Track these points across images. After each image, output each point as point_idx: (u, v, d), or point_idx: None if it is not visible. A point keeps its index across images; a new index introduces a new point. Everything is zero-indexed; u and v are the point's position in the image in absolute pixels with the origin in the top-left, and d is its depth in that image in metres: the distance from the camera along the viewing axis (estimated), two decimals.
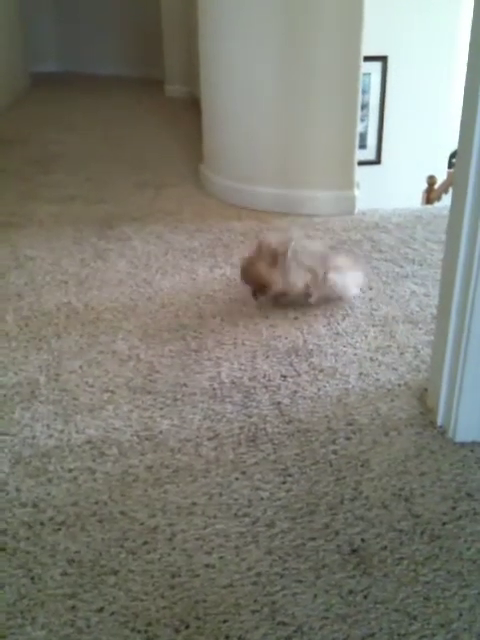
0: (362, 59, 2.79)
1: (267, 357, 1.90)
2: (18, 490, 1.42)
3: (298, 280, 2.08)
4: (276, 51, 2.80)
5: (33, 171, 3.66)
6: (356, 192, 2.95)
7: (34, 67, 6.58)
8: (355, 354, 1.90)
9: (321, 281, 2.09)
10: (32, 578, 1.22)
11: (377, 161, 4.61)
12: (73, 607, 1.17)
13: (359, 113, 2.86)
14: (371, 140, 4.59)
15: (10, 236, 2.75)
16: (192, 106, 5.25)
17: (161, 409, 1.68)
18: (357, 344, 1.95)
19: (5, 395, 1.73)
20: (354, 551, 1.28)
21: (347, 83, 2.81)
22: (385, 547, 1.28)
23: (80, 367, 1.85)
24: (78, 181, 3.49)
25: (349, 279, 2.16)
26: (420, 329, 2.02)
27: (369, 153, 4.58)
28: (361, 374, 1.80)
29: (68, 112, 5.25)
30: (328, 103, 2.83)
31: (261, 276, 2.06)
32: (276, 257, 2.04)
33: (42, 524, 1.33)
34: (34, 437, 1.57)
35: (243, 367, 1.86)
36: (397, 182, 4.39)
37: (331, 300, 2.18)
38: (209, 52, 3.07)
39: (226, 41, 2.93)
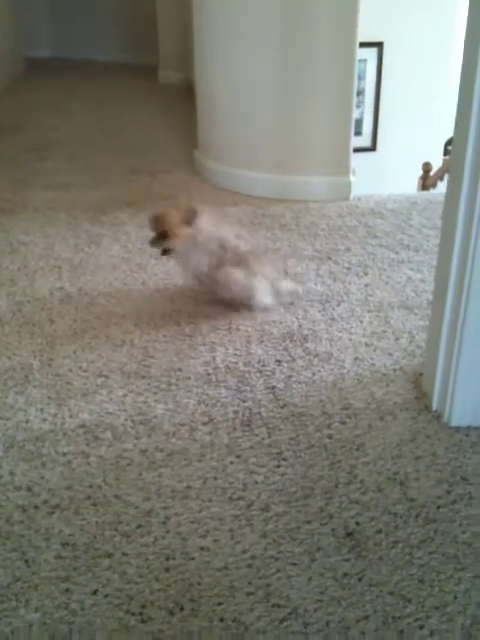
0: (358, 44, 2.77)
1: (262, 342, 1.89)
2: (12, 474, 1.41)
3: (202, 263, 1.98)
4: (272, 36, 2.78)
5: (28, 158, 3.63)
6: (352, 178, 2.93)
7: (28, 52, 6.52)
8: (350, 339, 1.89)
9: (220, 274, 1.97)
10: (26, 561, 1.22)
11: (373, 148, 4.59)
12: (67, 590, 1.16)
13: (355, 99, 2.84)
14: (367, 127, 4.57)
15: (3, 222, 2.73)
16: (186, 92, 5.21)
17: (155, 394, 1.68)
18: (352, 329, 1.94)
19: None
20: (349, 534, 1.28)
21: (343, 69, 2.79)
22: (380, 530, 1.28)
23: (74, 352, 1.84)
24: (73, 168, 3.46)
25: (256, 283, 1.98)
26: (415, 314, 2.01)
27: (365, 140, 4.56)
28: (356, 359, 1.80)
29: (62, 98, 5.21)
30: (324, 89, 2.81)
31: (168, 223, 1.93)
32: (192, 219, 1.95)
33: (36, 507, 1.33)
34: (28, 421, 1.57)
35: (238, 352, 1.85)
36: (392, 169, 4.37)
37: (238, 302, 2.02)
38: (204, 37, 3.04)
39: (221, 26, 2.91)
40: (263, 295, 2.01)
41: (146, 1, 6.06)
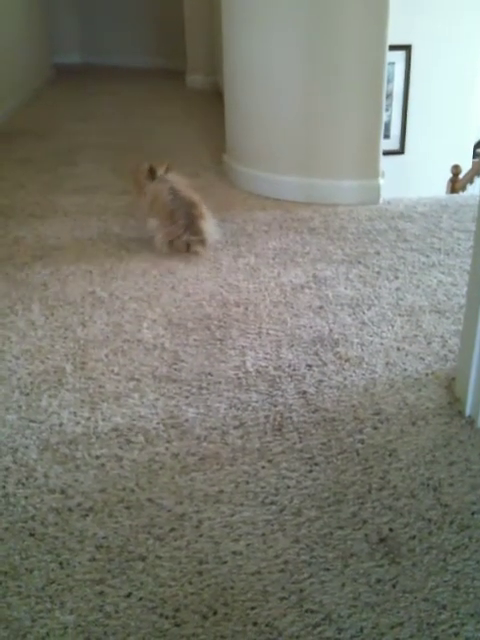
0: (388, 48, 2.76)
1: (292, 346, 1.89)
2: (46, 476, 1.43)
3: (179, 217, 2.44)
4: (301, 40, 2.78)
5: (57, 162, 3.67)
6: (381, 181, 2.92)
7: (57, 58, 6.60)
8: (381, 344, 1.88)
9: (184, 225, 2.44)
10: (60, 563, 1.23)
11: (401, 151, 4.56)
12: (101, 592, 1.17)
13: (384, 102, 2.83)
14: (395, 130, 4.55)
15: (35, 227, 2.76)
16: (214, 96, 5.23)
17: (187, 397, 1.68)
18: (383, 334, 1.93)
19: (32, 383, 1.74)
20: (382, 540, 1.27)
21: (372, 72, 2.78)
22: (414, 536, 1.28)
23: (106, 355, 1.86)
24: (101, 172, 3.50)
25: (211, 226, 2.50)
26: (447, 319, 2.00)
27: (393, 143, 4.53)
28: (388, 364, 1.79)
29: (91, 103, 5.26)
30: (353, 92, 2.81)
31: (138, 178, 2.52)
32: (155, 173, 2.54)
33: (70, 510, 1.34)
34: (61, 424, 1.58)
35: (268, 356, 1.85)
36: (421, 172, 4.34)
37: (195, 243, 2.45)
38: (233, 41, 3.05)
39: (250, 30, 2.92)
40: (216, 235, 2.54)
41: (174, 6, 6.11)
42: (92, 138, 4.16)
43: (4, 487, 1.40)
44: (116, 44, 7.02)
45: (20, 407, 1.64)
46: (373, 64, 2.77)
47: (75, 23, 7.19)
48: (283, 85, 2.88)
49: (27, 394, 1.70)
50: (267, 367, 1.80)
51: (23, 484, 1.41)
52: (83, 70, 6.86)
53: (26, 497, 1.37)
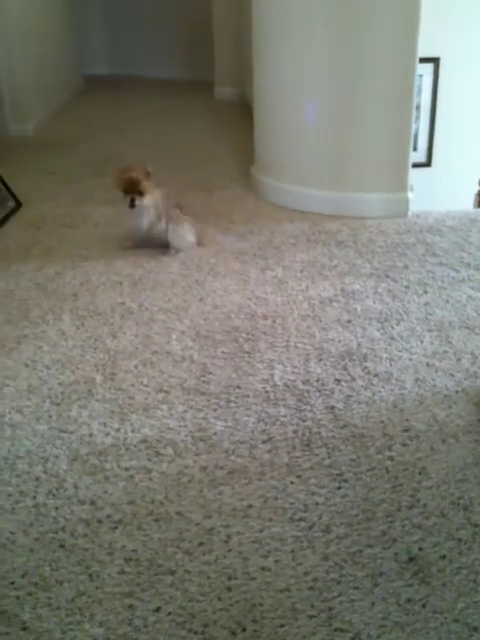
0: (418, 60, 2.76)
1: (320, 360, 1.89)
2: (76, 487, 1.44)
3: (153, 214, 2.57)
4: (331, 54, 2.79)
5: (86, 173, 3.71)
6: (410, 194, 2.91)
7: (86, 70, 6.67)
8: (411, 359, 1.87)
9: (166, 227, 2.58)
10: (90, 575, 1.24)
11: (428, 164, 4.55)
12: (130, 606, 1.18)
13: (414, 114, 2.83)
14: (422, 142, 4.53)
15: (66, 237, 2.79)
16: (242, 108, 5.25)
17: (215, 410, 1.69)
18: (412, 349, 1.92)
19: (63, 393, 1.76)
20: (412, 559, 1.26)
21: (402, 85, 2.78)
22: (443, 556, 1.26)
23: (135, 367, 1.87)
24: None
25: (185, 231, 2.61)
26: (477, 334, 1.98)
27: (419, 155, 4.51)
28: (417, 380, 1.78)
29: (120, 114, 5.31)
30: (382, 105, 2.81)
31: (139, 181, 2.50)
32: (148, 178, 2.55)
33: (100, 522, 1.35)
34: (91, 435, 1.59)
35: (296, 370, 1.85)
36: (448, 185, 4.31)
37: (169, 246, 2.59)
38: (262, 54, 3.07)
39: (281, 44, 2.93)
40: (193, 239, 2.65)
41: (202, 18, 6.15)
42: (121, 149, 4.19)
43: (35, 497, 1.41)
44: (145, 56, 7.09)
45: (51, 417, 1.66)
46: (403, 77, 2.77)
47: (104, 35, 7.27)
48: (313, 99, 2.89)
49: (58, 404, 1.71)
50: (295, 381, 1.80)
51: (54, 494, 1.42)
52: (112, 81, 6.93)
53: (56, 508, 1.38)
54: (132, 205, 2.51)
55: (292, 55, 2.90)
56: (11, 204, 3.10)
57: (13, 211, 3.07)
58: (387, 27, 2.71)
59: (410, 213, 2.92)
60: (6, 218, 2.99)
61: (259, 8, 3.03)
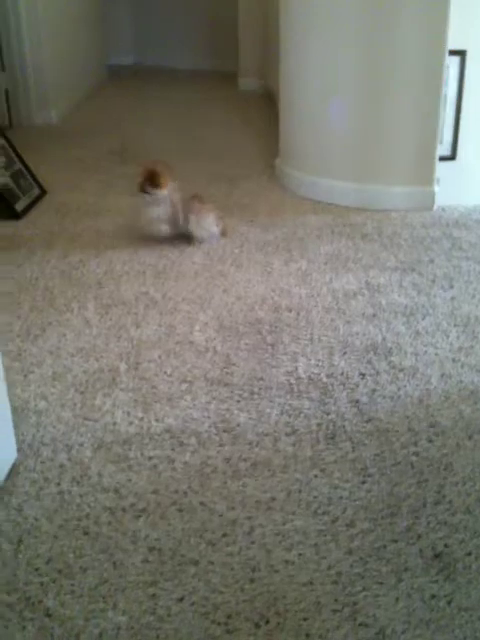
0: (447, 53, 2.73)
1: (344, 354, 1.88)
2: (100, 475, 1.44)
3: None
4: (358, 45, 2.76)
5: (110, 162, 3.71)
6: (436, 188, 2.88)
7: (111, 60, 6.67)
8: (436, 354, 1.85)
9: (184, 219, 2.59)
10: (114, 563, 1.24)
11: (452, 157, 4.49)
12: (154, 595, 1.18)
13: (442, 107, 2.79)
14: (447, 135, 4.47)
15: (90, 225, 2.80)
16: (266, 99, 5.23)
17: (238, 402, 1.68)
18: (438, 344, 1.90)
19: (87, 381, 1.76)
20: (437, 556, 1.25)
21: (430, 77, 2.74)
22: (469, 553, 1.25)
23: (159, 356, 1.87)
24: None
25: (208, 221, 2.60)
26: None
27: (445, 148, 4.46)
28: (443, 375, 1.76)
29: (143, 104, 5.30)
30: (410, 97, 2.78)
31: (162, 176, 2.54)
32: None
33: (123, 510, 1.35)
34: (115, 423, 1.60)
35: (320, 363, 1.84)
36: (472, 178, 4.26)
37: (190, 237, 2.60)
38: (289, 45, 3.05)
39: (307, 34, 2.91)
40: (217, 229, 2.64)
41: (227, 9, 6.12)
42: (145, 139, 4.19)
43: (59, 484, 1.42)
44: (169, 46, 7.07)
45: (75, 405, 1.67)
46: (432, 70, 2.74)
47: (128, 24, 7.26)
48: (338, 89, 2.87)
49: (82, 392, 1.72)
50: (319, 374, 1.79)
51: (78, 482, 1.42)
52: (136, 71, 6.93)
53: (81, 495, 1.39)
54: (143, 190, 2.54)
55: (319, 46, 2.88)
56: (36, 191, 3.11)
57: (38, 198, 3.08)
58: (416, 19, 2.68)
59: (436, 206, 2.89)
60: (31, 205, 3.00)
61: (286, 1, 3.00)
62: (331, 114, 2.92)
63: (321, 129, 2.98)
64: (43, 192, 3.15)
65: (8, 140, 3.12)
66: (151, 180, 2.53)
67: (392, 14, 2.68)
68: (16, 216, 2.87)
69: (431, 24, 2.68)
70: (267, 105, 5.03)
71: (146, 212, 2.61)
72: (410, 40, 2.71)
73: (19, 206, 2.92)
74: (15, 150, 3.12)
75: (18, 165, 3.09)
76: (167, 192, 2.55)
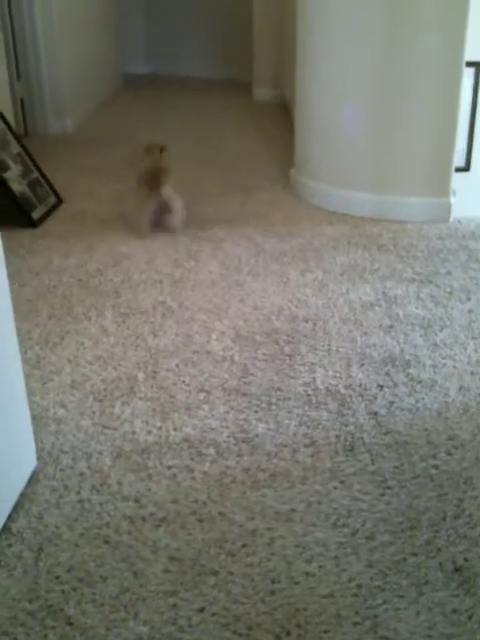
0: (464, 65, 2.73)
1: (362, 365, 1.88)
2: (120, 484, 1.44)
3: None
4: (375, 55, 2.77)
5: (126, 171, 3.72)
6: (452, 199, 2.88)
7: (125, 68, 6.72)
8: (454, 367, 1.85)
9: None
10: (134, 572, 1.24)
11: (466, 168, 4.49)
12: (174, 605, 1.18)
13: (459, 119, 2.80)
14: (460, 146, 4.48)
15: (106, 235, 2.81)
16: (280, 109, 5.25)
17: (256, 412, 1.68)
18: (456, 356, 1.90)
19: (105, 389, 1.77)
20: (457, 570, 1.25)
21: (447, 88, 2.75)
22: None
23: (176, 365, 1.88)
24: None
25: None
26: None
27: (458, 159, 4.46)
28: (461, 388, 1.76)
29: (158, 113, 5.33)
30: (427, 108, 2.78)
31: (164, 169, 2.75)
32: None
33: (143, 519, 1.35)
34: (134, 432, 1.60)
35: (338, 374, 1.84)
36: None
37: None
38: (306, 55, 3.06)
39: (324, 44, 2.92)
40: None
41: (242, 19, 6.16)
42: None
43: (79, 492, 1.42)
44: (183, 55, 7.11)
45: (94, 413, 1.67)
46: (449, 81, 2.75)
47: (143, 33, 7.31)
48: (356, 100, 2.87)
49: (100, 400, 1.72)
50: (337, 385, 1.79)
51: (97, 490, 1.43)
52: (150, 80, 6.97)
53: (101, 504, 1.39)
54: (154, 191, 2.69)
55: (336, 56, 2.89)
56: (52, 200, 3.13)
57: (54, 207, 3.10)
58: (434, 30, 2.69)
59: (452, 218, 2.89)
60: (48, 214, 3.02)
61: (304, 10, 3.02)
62: (347, 124, 2.93)
63: (337, 139, 2.99)
64: (59, 201, 3.17)
65: (25, 148, 3.15)
66: (158, 179, 2.67)
67: (410, 25, 2.69)
68: (33, 224, 2.89)
69: (449, 35, 2.68)
70: (282, 115, 5.05)
71: (146, 207, 2.73)
72: (428, 51, 2.72)
73: (36, 214, 2.94)
74: (32, 158, 3.15)
75: (35, 173, 3.12)
76: (171, 190, 2.70)
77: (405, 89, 2.77)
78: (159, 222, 2.79)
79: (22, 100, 4.56)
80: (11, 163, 2.98)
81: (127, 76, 6.68)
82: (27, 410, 1.47)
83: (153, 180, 2.71)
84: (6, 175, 2.87)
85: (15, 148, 3.07)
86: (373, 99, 2.84)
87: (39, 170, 3.15)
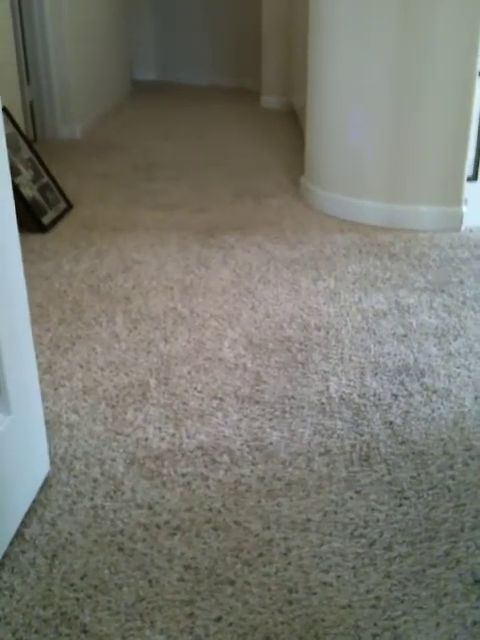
0: (478, 73, 2.73)
1: (376, 374, 1.86)
2: (134, 491, 1.43)
3: None
4: (387, 62, 2.77)
5: (136, 178, 3.73)
6: (464, 208, 2.88)
7: (134, 75, 6.74)
8: (469, 376, 1.84)
9: None
10: (150, 581, 1.23)
11: (474, 177, 4.49)
12: (191, 614, 1.16)
13: (473, 128, 2.79)
14: (469, 155, 4.48)
15: (117, 241, 2.81)
16: (289, 117, 5.26)
17: (270, 420, 1.67)
18: (471, 366, 1.88)
19: (118, 395, 1.76)
20: (477, 582, 1.23)
21: (461, 97, 2.74)
22: None
23: (188, 372, 1.86)
24: (179, 189, 3.53)
25: None
26: None
27: (467, 169, 4.47)
28: (477, 398, 1.74)
29: (167, 120, 5.34)
30: (439, 117, 2.78)
31: None
32: None
33: (158, 527, 1.34)
34: (147, 439, 1.59)
35: (351, 383, 1.83)
36: None
37: None
38: (318, 63, 3.06)
39: (336, 52, 2.92)
40: None
41: (250, 27, 6.18)
42: (169, 155, 4.22)
43: (92, 499, 1.41)
44: (192, 62, 7.14)
45: (106, 419, 1.66)
46: (462, 90, 2.74)
47: (152, 40, 7.34)
48: (367, 107, 2.87)
49: (113, 406, 1.71)
50: (351, 394, 1.78)
51: (111, 497, 1.41)
52: (159, 87, 6.99)
53: (114, 511, 1.38)
54: None
55: (347, 64, 2.89)
56: (63, 205, 3.13)
57: (65, 212, 3.10)
58: (447, 40, 2.69)
59: (463, 227, 2.88)
60: (58, 219, 3.02)
61: (316, 17, 3.02)
62: (358, 132, 2.93)
63: (348, 147, 2.99)
64: (69, 206, 3.17)
65: (36, 153, 3.15)
66: None
67: (423, 33, 2.69)
68: (43, 229, 2.89)
69: (462, 46, 2.68)
70: (290, 123, 5.06)
71: None
72: (441, 60, 2.72)
73: (46, 219, 2.94)
74: (43, 163, 3.15)
75: (45, 178, 3.12)
76: None
77: (418, 97, 2.77)
78: None
79: (31, 104, 4.57)
80: (22, 168, 2.98)
81: (136, 83, 6.71)
82: (41, 415, 1.46)
83: None
84: (17, 180, 2.87)
85: (26, 153, 3.07)
86: (385, 107, 2.84)
87: (49, 175, 3.15)
